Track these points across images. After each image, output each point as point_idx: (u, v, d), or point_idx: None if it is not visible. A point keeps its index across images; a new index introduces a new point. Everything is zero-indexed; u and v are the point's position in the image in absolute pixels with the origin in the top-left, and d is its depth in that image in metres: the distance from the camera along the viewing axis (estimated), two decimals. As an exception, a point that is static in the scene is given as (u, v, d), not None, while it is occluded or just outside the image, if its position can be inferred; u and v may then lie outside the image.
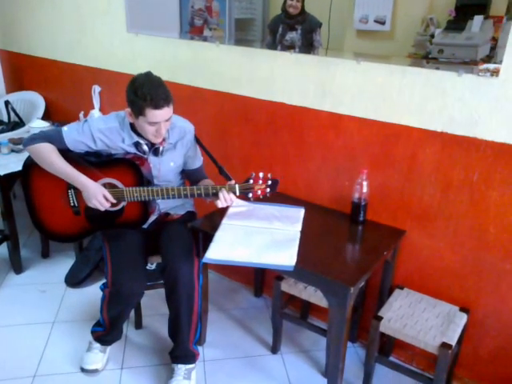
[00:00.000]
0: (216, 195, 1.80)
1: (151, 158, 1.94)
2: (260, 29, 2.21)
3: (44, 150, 1.85)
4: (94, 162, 1.90)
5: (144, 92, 1.70)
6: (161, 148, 1.92)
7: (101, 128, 1.87)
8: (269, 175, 1.80)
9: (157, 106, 1.71)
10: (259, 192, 1.79)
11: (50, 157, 1.84)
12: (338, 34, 1.94)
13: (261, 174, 1.79)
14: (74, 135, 1.87)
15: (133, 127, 1.87)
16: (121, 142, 1.89)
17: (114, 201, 1.86)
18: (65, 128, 1.89)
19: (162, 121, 1.77)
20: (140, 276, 1.87)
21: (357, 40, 1.92)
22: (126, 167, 1.87)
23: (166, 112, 1.75)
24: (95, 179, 1.87)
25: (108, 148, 1.91)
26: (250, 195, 1.80)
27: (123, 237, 1.93)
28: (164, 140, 1.91)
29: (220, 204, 1.80)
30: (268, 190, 1.80)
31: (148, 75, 1.77)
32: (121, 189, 1.87)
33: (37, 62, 3.37)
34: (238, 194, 1.81)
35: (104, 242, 1.95)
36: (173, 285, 1.86)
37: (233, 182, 1.82)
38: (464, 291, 1.90)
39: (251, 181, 1.79)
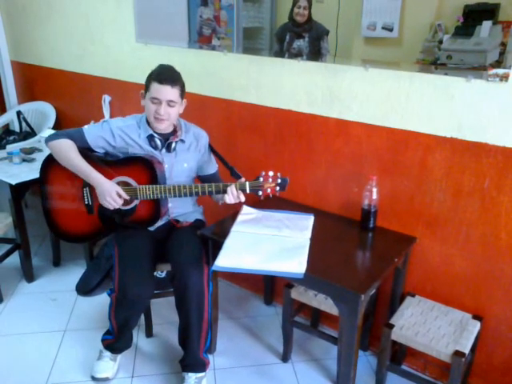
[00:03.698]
0: (226, 193, 1.82)
1: (165, 157, 1.98)
2: (268, 37, 2.22)
3: (64, 145, 1.93)
4: (108, 161, 1.96)
5: (155, 69, 1.89)
6: (173, 143, 1.96)
7: (120, 126, 1.97)
8: (278, 174, 1.82)
9: (160, 81, 1.83)
10: (269, 190, 1.81)
11: (68, 152, 1.92)
12: (346, 42, 1.94)
13: (270, 173, 1.81)
14: (95, 131, 1.96)
15: (148, 123, 1.95)
16: (138, 138, 1.96)
17: (128, 197, 1.90)
18: (85, 126, 1.99)
19: (164, 99, 1.83)
20: (146, 281, 1.88)
21: (365, 47, 1.92)
22: (140, 166, 1.91)
23: (168, 91, 1.83)
24: (109, 177, 1.92)
25: (126, 145, 1.96)
26: (260, 193, 1.81)
27: (132, 242, 1.95)
28: (176, 134, 1.97)
29: (228, 199, 1.82)
30: (278, 188, 1.81)
31: (168, 65, 1.93)
32: (134, 187, 1.90)
33: (47, 72, 3.41)
34: (248, 191, 1.82)
35: (115, 247, 1.96)
36: (183, 293, 1.86)
37: (243, 179, 1.85)
38: (476, 298, 1.88)
39: (261, 179, 1.81)
